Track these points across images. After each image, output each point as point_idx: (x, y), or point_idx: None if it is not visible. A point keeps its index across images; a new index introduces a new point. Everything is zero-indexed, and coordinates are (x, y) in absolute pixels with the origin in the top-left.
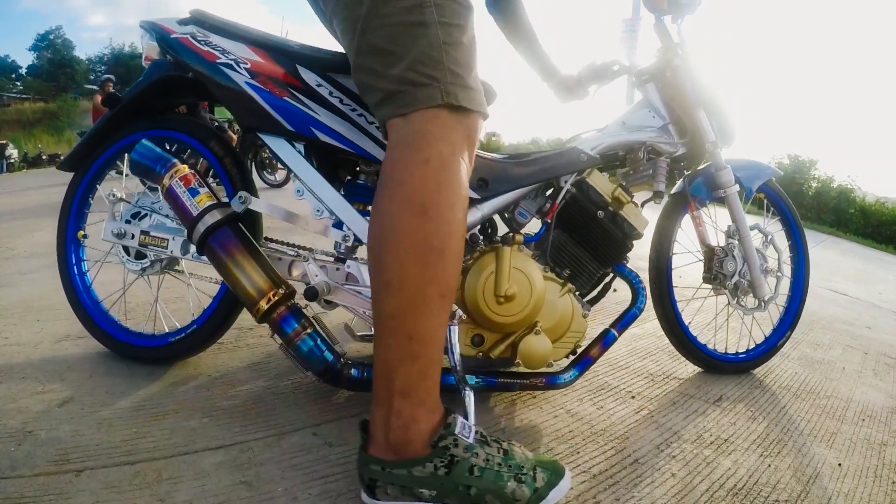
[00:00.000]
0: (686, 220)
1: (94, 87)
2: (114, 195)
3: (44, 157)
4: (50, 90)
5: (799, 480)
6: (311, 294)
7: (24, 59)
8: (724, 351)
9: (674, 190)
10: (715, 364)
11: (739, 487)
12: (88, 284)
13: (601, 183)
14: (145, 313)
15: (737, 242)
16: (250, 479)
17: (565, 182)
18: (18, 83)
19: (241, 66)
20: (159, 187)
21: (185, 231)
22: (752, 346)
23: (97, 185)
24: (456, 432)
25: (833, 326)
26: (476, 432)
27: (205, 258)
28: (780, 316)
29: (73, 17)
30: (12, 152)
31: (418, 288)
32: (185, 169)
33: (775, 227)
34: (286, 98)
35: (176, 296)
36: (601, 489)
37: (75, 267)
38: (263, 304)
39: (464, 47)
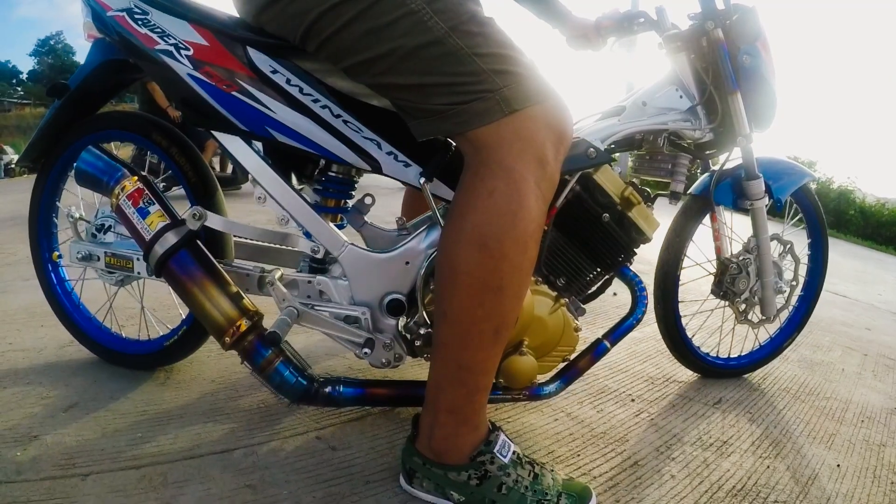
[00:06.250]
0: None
1: None
2: (72, 216)
3: None
4: None
5: (798, 481)
6: (273, 340)
7: (25, 65)
8: (716, 354)
9: (697, 190)
10: (708, 369)
11: (739, 489)
12: (77, 303)
13: (610, 182)
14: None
15: (752, 258)
16: (255, 482)
17: (568, 179)
18: (19, 88)
19: (183, 52)
20: (111, 202)
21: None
22: (745, 351)
23: (56, 203)
24: (494, 450)
25: (832, 328)
26: (513, 452)
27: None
28: (781, 325)
29: (73, 24)
30: (12, 158)
31: (471, 323)
32: (133, 182)
33: (794, 235)
34: (235, 93)
35: (170, 301)
36: (601, 491)
37: (59, 287)
38: (229, 336)
39: (489, 37)
